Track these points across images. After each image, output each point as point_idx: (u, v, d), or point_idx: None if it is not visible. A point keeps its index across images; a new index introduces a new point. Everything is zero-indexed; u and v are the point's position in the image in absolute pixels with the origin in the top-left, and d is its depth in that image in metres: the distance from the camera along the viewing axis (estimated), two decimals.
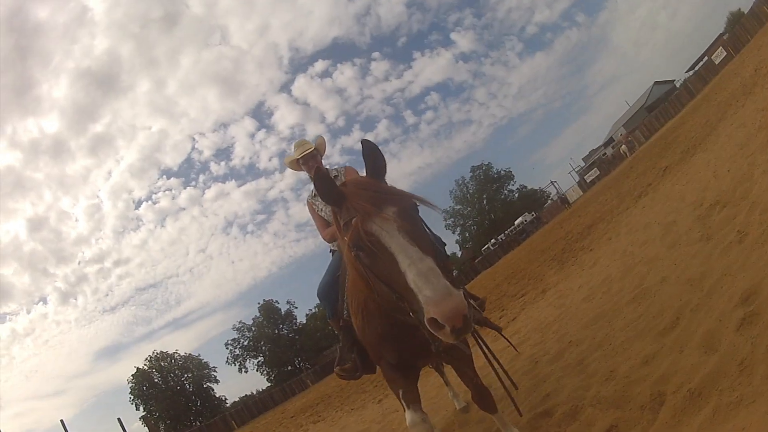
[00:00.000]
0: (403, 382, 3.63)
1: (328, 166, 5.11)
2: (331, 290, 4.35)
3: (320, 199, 4.32)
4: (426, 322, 2.30)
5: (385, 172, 3.04)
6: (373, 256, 2.59)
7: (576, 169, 67.35)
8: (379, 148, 3.00)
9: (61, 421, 37.91)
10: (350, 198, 2.78)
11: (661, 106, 50.40)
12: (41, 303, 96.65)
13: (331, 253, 4.87)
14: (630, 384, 3.57)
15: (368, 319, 3.43)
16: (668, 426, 2.87)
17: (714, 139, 11.19)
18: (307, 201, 5.09)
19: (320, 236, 4.93)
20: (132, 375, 65.28)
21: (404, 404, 3.60)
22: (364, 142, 2.97)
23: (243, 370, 71.62)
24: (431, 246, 2.67)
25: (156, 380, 65.92)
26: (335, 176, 5.00)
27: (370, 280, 2.71)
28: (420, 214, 2.84)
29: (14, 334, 79.79)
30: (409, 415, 3.56)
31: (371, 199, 2.71)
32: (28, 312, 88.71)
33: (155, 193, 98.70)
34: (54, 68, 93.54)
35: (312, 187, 4.87)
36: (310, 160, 5.01)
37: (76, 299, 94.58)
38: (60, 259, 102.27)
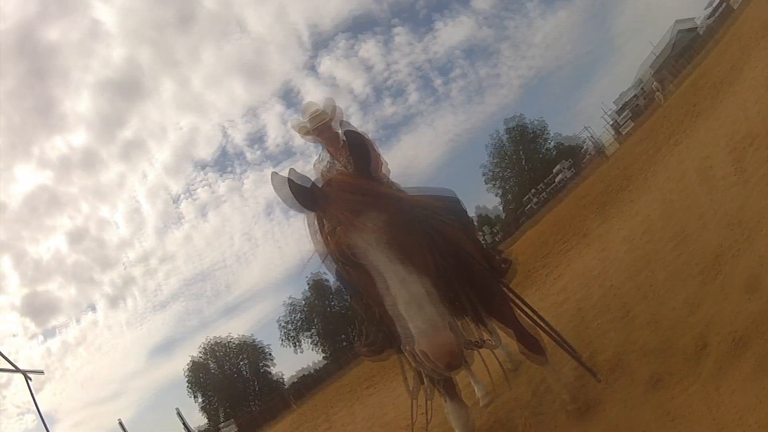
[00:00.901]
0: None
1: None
2: None
3: (337, 165, 4.45)
4: (418, 353, 2.18)
5: (377, 165, 2.82)
6: (359, 273, 2.36)
7: (608, 113, 65.71)
8: (368, 138, 2.84)
9: (119, 420, 38.22)
10: (332, 203, 2.48)
11: (688, 47, 49.63)
12: (90, 311, 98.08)
13: None
14: (673, 332, 3.60)
15: None
16: (713, 377, 2.88)
17: (741, 81, 10.92)
18: (315, 165, 4.75)
19: None
20: (187, 365, 66.61)
21: (445, 396, 3.51)
22: (348, 134, 2.73)
23: (298, 346, 72.13)
24: (427, 261, 2.43)
25: (212, 368, 66.85)
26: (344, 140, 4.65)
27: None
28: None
29: (65, 346, 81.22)
30: (451, 410, 3.50)
31: (355, 204, 2.41)
32: (78, 322, 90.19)
33: (193, 187, 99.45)
34: (74, 84, 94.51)
35: (322, 155, 4.71)
36: (325, 131, 4.63)
37: (125, 301, 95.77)
38: (105, 265, 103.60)
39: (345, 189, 2.50)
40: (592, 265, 8.13)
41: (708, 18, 54.69)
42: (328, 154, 4.65)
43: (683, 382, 3.09)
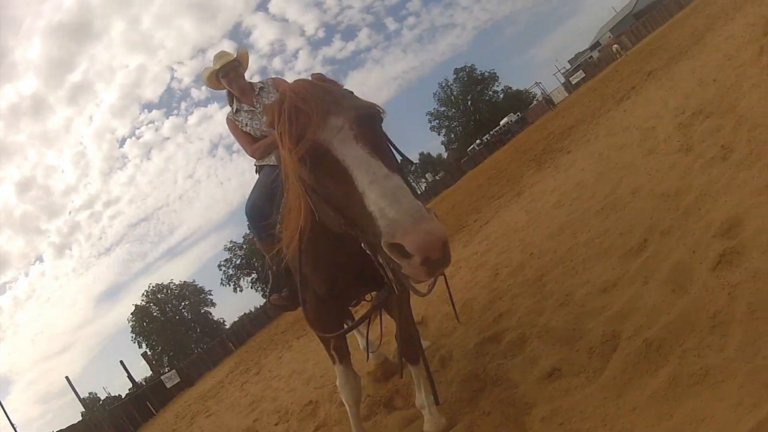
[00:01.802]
0: (333, 329, 3.10)
1: (251, 81, 4.60)
2: (261, 207, 3.79)
3: (243, 114, 4.37)
4: (385, 248, 1.77)
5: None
6: (320, 173, 2.07)
7: (561, 71, 66.19)
8: None
9: (66, 378, 37.55)
10: (298, 108, 2.16)
11: (649, 14, 49.66)
12: (38, 262, 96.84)
13: (257, 171, 4.47)
14: (584, 315, 3.22)
15: (303, 244, 2.71)
16: (616, 383, 2.42)
17: (701, 49, 10.72)
18: (228, 118, 4.48)
19: (246, 153, 4.40)
20: (131, 313, 65.70)
21: (335, 357, 3.28)
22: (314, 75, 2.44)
23: (238, 289, 71.96)
24: (396, 163, 2.25)
25: (155, 314, 66.32)
26: (261, 87, 4.50)
27: (314, 204, 2.23)
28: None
29: (16, 302, 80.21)
30: (340, 373, 3.30)
31: (321, 102, 2.13)
32: (27, 275, 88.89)
33: (138, 128, 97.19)
34: (26, 31, 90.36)
35: (231, 105, 4.51)
36: (231, 72, 4.43)
37: (71, 250, 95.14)
38: (51, 213, 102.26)
39: (310, 91, 2.18)
40: (519, 217, 7.93)
41: None
42: (236, 100, 4.48)
43: (581, 376, 2.70)
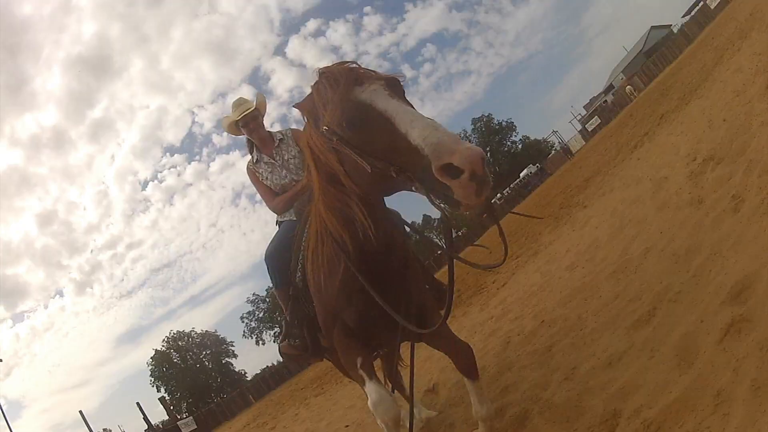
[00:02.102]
0: (361, 350, 3.15)
1: (270, 128, 4.64)
2: (281, 254, 3.81)
3: (263, 166, 4.40)
4: (436, 173, 1.93)
5: None
6: (364, 129, 2.28)
7: (577, 117, 66.50)
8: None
9: (80, 412, 37.67)
10: (331, 82, 2.47)
11: (659, 51, 49.90)
12: (58, 296, 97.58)
13: (277, 224, 4.44)
14: (587, 391, 3.08)
15: (330, 271, 2.98)
16: None
17: (710, 85, 10.65)
18: (248, 167, 4.52)
19: (267, 206, 4.42)
20: (151, 357, 65.70)
21: (364, 376, 3.06)
22: None
23: (260, 342, 71.79)
24: None
25: (175, 360, 66.19)
26: (280, 139, 4.52)
27: (351, 170, 2.43)
28: None
29: (34, 332, 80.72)
30: (372, 391, 3.01)
31: (351, 72, 2.44)
32: (46, 307, 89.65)
33: (160, 172, 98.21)
34: (45, 60, 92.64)
35: (252, 153, 4.54)
36: (251, 121, 4.45)
37: (92, 288, 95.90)
38: (73, 250, 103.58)
39: (338, 69, 2.51)
40: (534, 280, 7.79)
41: (683, 16, 55.30)
42: (256, 150, 4.51)
43: None
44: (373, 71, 2.50)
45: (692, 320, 2.87)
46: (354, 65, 2.55)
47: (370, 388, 3.01)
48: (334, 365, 4.69)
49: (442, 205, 2.10)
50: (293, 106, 2.83)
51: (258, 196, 4.57)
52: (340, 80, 2.41)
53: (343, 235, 2.77)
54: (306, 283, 3.37)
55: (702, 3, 46.05)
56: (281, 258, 3.76)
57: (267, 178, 4.38)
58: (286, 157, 4.42)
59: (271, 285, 4.08)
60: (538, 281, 7.36)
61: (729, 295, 2.78)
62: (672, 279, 3.61)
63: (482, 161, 1.90)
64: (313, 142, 2.68)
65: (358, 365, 3.08)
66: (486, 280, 12.03)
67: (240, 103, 4.54)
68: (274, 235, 4.23)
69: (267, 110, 4.70)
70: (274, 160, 4.42)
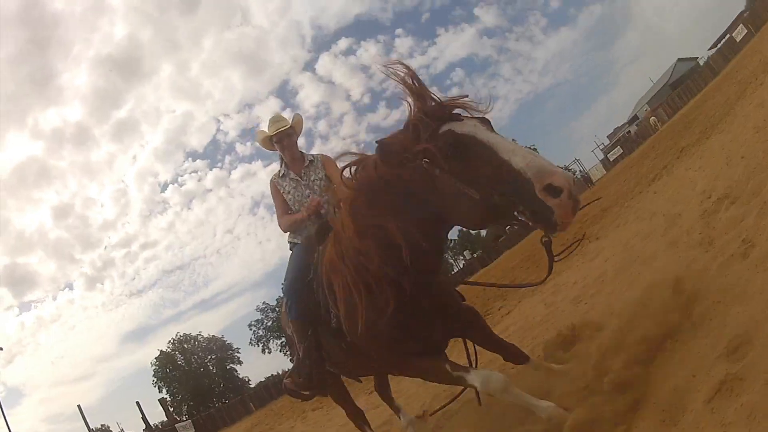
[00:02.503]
0: (443, 357, 3.43)
1: (303, 150, 4.80)
2: (300, 289, 3.83)
3: (288, 181, 4.57)
4: (539, 193, 2.30)
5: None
6: (466, 159, 2.57)
7: (600, 147, 66.30)
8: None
9: (78, 406, 37.90)
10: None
11: (684, 83, 49.88)
12: (67, 289, 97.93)
13: (291, 248, 4.49)
14: None
15: (376, 296, 3.08)
16: None
17: (731, 119, 10.50)
18: (272, 180, 4.70)
19: (277, 220, 4.61)
20: (155, 358, 65.88)
21: (462, 371, 3.23)
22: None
23: (266, 350, 71.75)
24: None
25: (179, 362, 66.32)
26: (310, 160, 4.68)
27: (450, 192, 2.64)
28: None
29: (40, 321, 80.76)
30: (474, 376, 3.17)
31: (446, 108, 2.82)
32: (54, 299, 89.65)
33: (181, 176, 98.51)
34: (74, 57, 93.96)
35: (279, 167, 4.72)
36: (284, 138, 4.62)
37: (102, 284, 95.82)
38: (86, 245, 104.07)
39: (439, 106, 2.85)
40: (537, 311, 7.74)
41: (710, 49, 55.10)
42: (285, 166, 4.69)
43: None
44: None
45: (684, 374, 2.72)
46: (448, 103, 2.87)
47: (471, 376, 3.16)
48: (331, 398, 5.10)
49: (543, 227, 2.52)
50: (377, 142, 2.99)
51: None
52: (443, 117, 2.76)
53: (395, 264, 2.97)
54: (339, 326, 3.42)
55: (728, 36, 46.06)
56: (301, 292, 3.81)
57: (289, 192, 4.56)
58: (312, 178, 4.59)
59: (281, 295, 4.27)
60: (542, 313, 7.26)
61: (726, 350, 2.62)
62: (671, 328, 3.42)
63: (572, 179, 2.32)
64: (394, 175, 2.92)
65: (448, 369, 3.23)
66: (493, 305, 11.95)
67: (277, 119, 4.71)
68: (289, 260, 4.28)
69: (302, 130, 4.88)
70: (300, 178, 4.59)
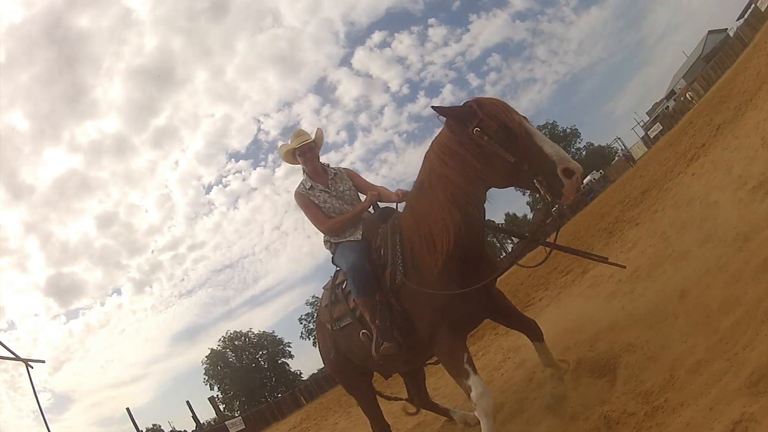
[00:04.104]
0: (465, 347, 3.81)
1: (327, 163, 5.02)
2: (364, 267, 4.19)
3: (319, 192, 4.78)
4: (560, 172, 3.14)
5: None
6: (511, 137, 3.35)
7: (640, 124, 64.88)
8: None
9: (127, 409, 38.45)
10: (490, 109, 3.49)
11: (717, 56, 48.21)
12: (115, 294, 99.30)
13: (331, 248, 4.75)
14: None
15: (446, 269, 3.67)
16: None
17: (764, 95, 10.21)
18: (300, 192, 4.85)
19: (318, 228, 4.77)
20: (206, 356, 66.69)
21: (470, 370, 3.61)
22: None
23: (317, 344, 72.23)
24: None
25: (230, 359, 67.07)
26: (335, 173, 4.93)
27: (488, 158, 3.41)
28: None
29: (88, 328, 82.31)
30: (477, 384, 3.54)
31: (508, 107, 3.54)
32: (102, 305, 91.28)
33: (225, 177, 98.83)
34: (105, 71, 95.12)
35: (304, 178, 4.90)
36: (307, 152, 4.86)
37: (151, 287, 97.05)
38: (133, 250, 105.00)
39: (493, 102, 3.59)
40: (574, 305, 7.59)
41: (737, 20, 53.39)
42: (309, 178, 4.88)
43: None
44: None
45: (701, 406, 2.63)
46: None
47: (475, 381, 3.55)
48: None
49: (552, 196, 3.24)
50: (432, 107, 3.73)
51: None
52: (504, 107, 3.50)
53: (459, 229, 3.59)
54: (402, 288, 3.89)
55: (753, 6, 44.45)
56: (365, 268, 4.16)
57: (326, 201, 4.74)
58: (341, 189, 4.83)
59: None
60: (578, 308, 7.14)
61: (747, 382, 2.50)
62: (697, 339, 3.36)
63: (582, 170, 3.19)
64: (449, 141, 3.65)
65: (465, 360, 3.64)
66: (536, 294, 11.89)
67: (299, 134, 4.94)
68: (341, 253, 4.55)
69: (323, 143, 5.12)
70: (328, 190, 4.80)
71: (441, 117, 3.70)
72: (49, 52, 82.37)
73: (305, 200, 4.77)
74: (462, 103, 3.66)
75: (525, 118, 3.49)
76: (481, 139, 3.38)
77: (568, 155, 3.22)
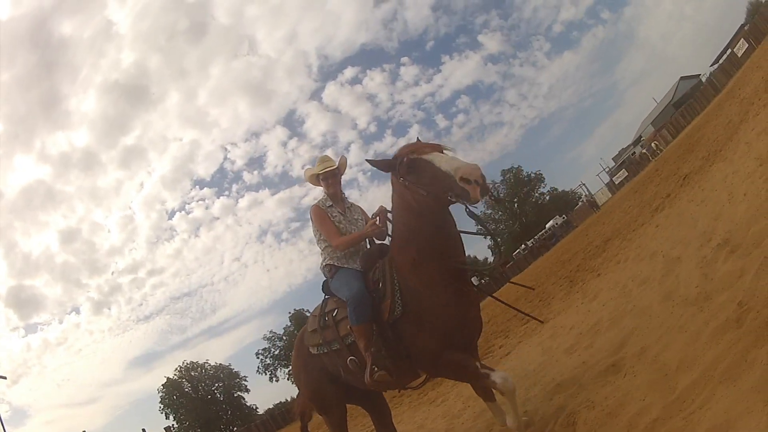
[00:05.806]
0: (470, 356, 4.11)
1: (346, 195, 5.32)
2: (363, 296, 4.36)
3: (336, 212, 5.05)
4: (459, 182, 3.47)
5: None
6: (419, 171, 3.83)
7: (606, 170, 66.09)
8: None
9: None
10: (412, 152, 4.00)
11: (687, 102, 49.07)
12: (74, 313, 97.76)
13: (330, 271, 4.88)
14: None
15: (442, 294, 4.04)
16: None
17: (734, 147, 10.23)
18: (318, 206, 5.09)
19: (329, 242, 4.91)
20: (162, 384, 65.39)
21: (488, 370, 3.86)
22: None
23: (274, 379, 71.31)
24: None
25: (186, 389, 65.80)
26: (351, 205, 5.23)
27: (415, 196, 3.88)
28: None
29: (46, 344, 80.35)
30: (498, 374, 3.80)
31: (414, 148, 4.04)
32: (60, 322, 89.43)
33: (188, 203, 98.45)
34: (81, 82, 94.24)
35: (324, 197, 5.15)
36: (330, 177, 5.13)
37: (109, 309, 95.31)
38: (93, 270, 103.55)
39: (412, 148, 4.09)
40: (533, 356, 7.55)
41: (711, 65, 54.54)
42: (329, 199, 5.14)
43: None
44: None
45: None
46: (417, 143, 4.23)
47: (495, 374, 3.81)
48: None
49: (464, 202, 3.64)
50: (366, 160, 4.46)
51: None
52: (408, 148, 4.07)
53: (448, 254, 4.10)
54: (401, 319, 4.14)
55: (730, 51, 45.11)
56: (367, 297, 4.35)
57: (341, 221, 4.97)
58: (355, 217, 5.11)
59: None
60: (537, 360, 7.10)
61: None
62: (655, 398, 3.36)
63: (480, 170, 3.48)
64: (396, 189, 4.21)
65: (479, 367, 3.90)
66: (495, 342, 11.84)
67: (324, 159, 5.25)
68: (335, 280, 4.77)
69: (346, 170, 5.40)
70: (344, 214, 5.07)
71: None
72: (31, 55, 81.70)
73: (323, 213, 4.99)
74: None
75: (438, 145, 4.01)
76: (405, 184, 3.95)
77: (465, 162, 3.60)
